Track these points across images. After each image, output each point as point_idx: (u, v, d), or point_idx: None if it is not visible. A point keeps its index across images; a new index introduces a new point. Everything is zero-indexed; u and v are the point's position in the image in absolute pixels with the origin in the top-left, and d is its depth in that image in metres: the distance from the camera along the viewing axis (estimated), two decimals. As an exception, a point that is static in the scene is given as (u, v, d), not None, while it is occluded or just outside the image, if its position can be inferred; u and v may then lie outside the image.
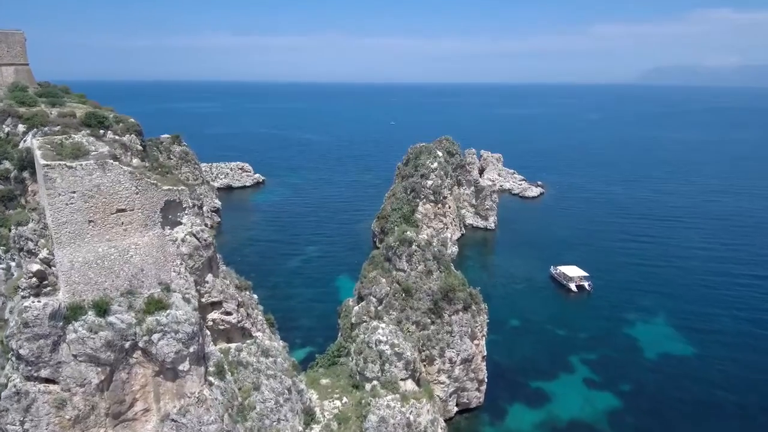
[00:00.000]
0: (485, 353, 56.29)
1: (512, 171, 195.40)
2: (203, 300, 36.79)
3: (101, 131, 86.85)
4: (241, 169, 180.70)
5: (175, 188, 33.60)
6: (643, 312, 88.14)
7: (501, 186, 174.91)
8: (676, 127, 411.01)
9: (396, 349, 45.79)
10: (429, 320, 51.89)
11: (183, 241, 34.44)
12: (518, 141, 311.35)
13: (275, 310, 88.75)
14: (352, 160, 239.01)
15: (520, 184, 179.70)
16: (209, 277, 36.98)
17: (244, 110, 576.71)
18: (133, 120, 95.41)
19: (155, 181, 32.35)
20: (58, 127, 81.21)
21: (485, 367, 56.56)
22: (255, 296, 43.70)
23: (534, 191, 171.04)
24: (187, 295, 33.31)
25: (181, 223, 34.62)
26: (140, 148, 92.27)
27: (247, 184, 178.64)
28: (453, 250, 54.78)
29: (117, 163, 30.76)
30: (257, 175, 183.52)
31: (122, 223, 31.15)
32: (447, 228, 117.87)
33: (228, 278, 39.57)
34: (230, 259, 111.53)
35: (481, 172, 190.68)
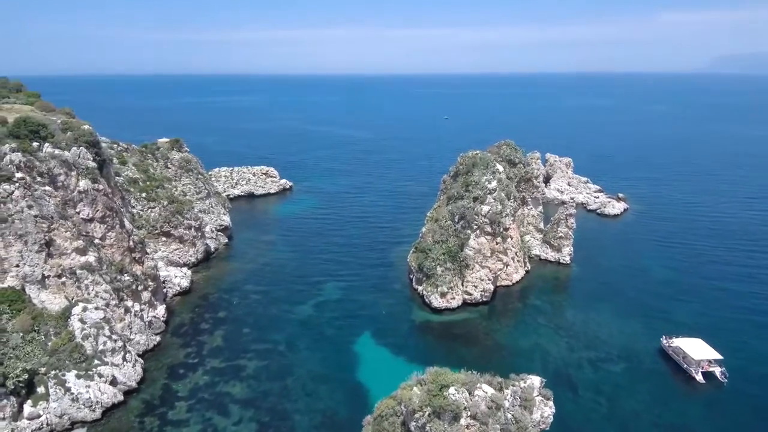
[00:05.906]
0: None
1: (585, 179, 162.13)
2: None
3: (35, 144, 64.34)
4: (265, 174, 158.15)
5: None
6: (816, 426, 56.83)
7: (573, 199, 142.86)
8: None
9: None
10: None
11: None
12: (582, 138, 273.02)
13: (260, 398, 58.78)
14: (395, 163, 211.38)
15: (597, 197, 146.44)
16: None
17: (277, 104, 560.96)
18: (87, 127, 71.48)
19: None
20: (-24, 137, 58.41)
21: None
22: None
23: (616, 207, 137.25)
24: None
25: None
26: (92, 164, 69.09)
27: (272, 191, 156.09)
28: (546, 413, 26.02)
29: None
30: (283, 181, 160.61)
31: None
32: (507, 267, 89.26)
33: None
34: (223, 303, 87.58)
35: (547, 180, 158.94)
